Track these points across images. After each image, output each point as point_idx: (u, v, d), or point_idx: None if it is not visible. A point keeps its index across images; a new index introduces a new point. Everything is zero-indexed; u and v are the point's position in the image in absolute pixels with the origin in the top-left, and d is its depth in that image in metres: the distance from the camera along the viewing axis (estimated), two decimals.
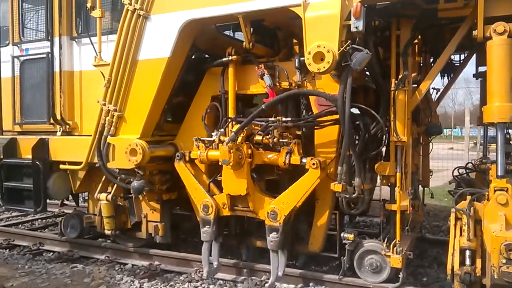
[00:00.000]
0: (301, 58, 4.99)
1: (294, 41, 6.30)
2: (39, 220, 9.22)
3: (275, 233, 4.86)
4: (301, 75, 5.09)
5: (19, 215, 9.81)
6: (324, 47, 4.24)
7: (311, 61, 4.32)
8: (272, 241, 4.86)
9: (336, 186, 4.61)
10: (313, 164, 4.72)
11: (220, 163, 4.97)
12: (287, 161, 4.86)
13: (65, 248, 6.88)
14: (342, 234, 4.98)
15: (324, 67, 4.26)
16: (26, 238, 7.40)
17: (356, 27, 4.14)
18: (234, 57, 5.35)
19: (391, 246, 4.73)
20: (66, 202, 8.16)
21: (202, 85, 5.87)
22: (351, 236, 4.93)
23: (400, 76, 4.69)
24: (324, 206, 5.19)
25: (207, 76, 5.82)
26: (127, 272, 5.99)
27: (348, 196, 4.61)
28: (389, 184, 4.96)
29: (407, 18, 4.90)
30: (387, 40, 5.19)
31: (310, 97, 5.13)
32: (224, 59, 5.42)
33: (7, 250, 7.09)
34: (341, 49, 4.22)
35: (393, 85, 4.69)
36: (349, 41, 4.23)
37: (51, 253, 6.86)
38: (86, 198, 7.19)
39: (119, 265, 6.25)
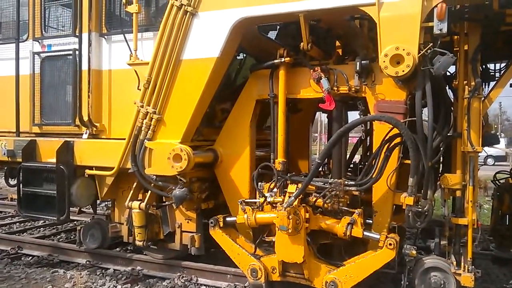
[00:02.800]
0: (363, 62, 4.72)
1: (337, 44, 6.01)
2: (17, 224, 9.00)
3: None
4: (361, 79, 4.78)
5: None
6: (403, 50, 3.96)
7: (388, 64, 4.03)
8: None
9: (408, 199, 4.30)
10: (390, 244, 4.35)
11: (277, 229, 4.57)
12: (348, 233, 4.47)
13: (45, 252, 6.69)
14: (403, 250, 4.66)
15: (403, 71, 3.98)
16: (3, 242, 7.13)
17: (440, 30, 3.87)
18: (287, 59, 5.02)
19: (462, 263, 4.43)
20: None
21: (245, 88, 5.52)
22: (413, 252, 4.60)
23: (472, 84, 4.43)
24: (382, 219, 4.87)
25: (251, 78, 5.48)
26: (109, 277, 5.89)
27: (420, 209, 4.29)
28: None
29: (474, 22, 4.65)
30: (446, 46, 4.93)
31: (369, 103, 4.82)
32: (275, 61, 5.08)
33: None
34: (422, 52, 3.93)
35: (466, 92, 4.42)
36: (431, 43, 3.95)
37: (30, 258, 6.68)
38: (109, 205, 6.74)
39: (100, 270, 6.14)
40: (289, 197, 4.55)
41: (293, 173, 5.11)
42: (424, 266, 4.68)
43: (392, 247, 4.33)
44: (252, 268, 4.86)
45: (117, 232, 6.23)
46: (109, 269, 6.12)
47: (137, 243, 5.74)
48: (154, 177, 5.42)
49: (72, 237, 7.80)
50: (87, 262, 6.31)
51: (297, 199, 4.52)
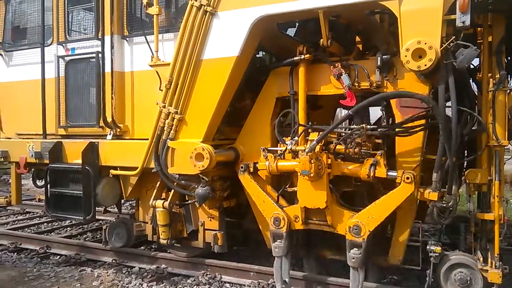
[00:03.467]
0: (384, 56, 4.68)
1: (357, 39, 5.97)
2: (45, 224, 9.21)
3: (357, 249, 4.49)
4: (382, 74, 4.74)
5: (25, 218, 9.90)
6: (425, 44, 3.92)
7: (410, 58, 3.99)
8: (354, 258, 4.47)
9: (432, 195, 4.25)
10: (407, 178, 4.33)
11: (299, 174, 4.56)
12: (371, 174, 4.46)
13: (72, 251, 6.89)
14: (428, 247, 4.61)
15: (425, 65, 3.93)
16: (33, 242, 7.35)
17: (463, 22, 3.81)
18: (307, 55, 5.01)
19: (489, 259, 4.36)
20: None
21: (265, 86, 5.53)
22: (438, 249, 4.57)
23: (497, 76, 4.34)
24: (406, 215, 4.82)
25: (271, 76, 5.49)
26: (135, 275, 5.99)
27: (445, 204, 4.24)
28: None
29: (498, 13, 4.55)
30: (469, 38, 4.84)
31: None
32: (295, 58, 5.08)
33: (15, 253, 7.06)
34: (444, 45, 3.88)
35: (490, 85, 4.34)
36: (453, 36, 3.89)
37: (58, 257, 6.86)
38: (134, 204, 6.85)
39: (126, 268, 6.26)
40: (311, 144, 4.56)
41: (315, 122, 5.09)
42: (450, 263, 4.63)
43: (409, 180, 4.31)
44: (275, 217, 4.87)
45: (142, 231, 6.34)
46: (134, 267, 6.23)
47: (161, 241, 5.83)
48: (177, 176, 5.49)
49: (98, 236, 8.00)
50: (113, 261, 6.43)
51: (319, 145, 4.52)
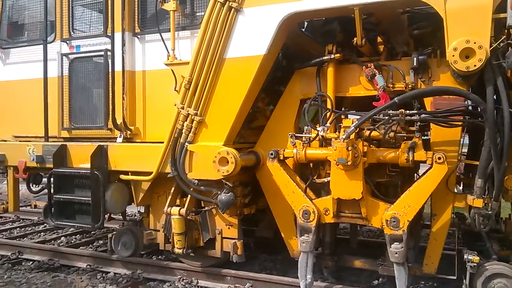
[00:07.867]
0: (421, 57, 4.49)
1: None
2: (18, 229, 8.81)
3: (398, 243, 4.24)
4: (418, 75, 4.55)
5: None
6: (474, 43, 3.73)
7: (458, 58, 3.80)
8: (396, 253, 4.23)
9: (476, 201, 4.06)
10: (439, 158, 4.09)
11: (334, 162, 4.27)
12: (410, 158, 4.21)
13: (45, 257, 6.60)
14: (465, 256, 4.42)
15: (474, 65, 3.76)
16: (4, 247, 6.99)
17: None
18: (337, 55, 4.79)
19: None
20: None
21: (289, 87, 5.29)
22: (476, 258, 4.36)
23: None
24: (441, 222, 4.62)
25: (295, 77, 5.25)
26: (110, 280, 5.80)
27: (490, 212, 4.06)
28: None
29: None
30: None
31: (425, 100, 4.57)
32: (324, 58, 4.85)
33: None
34: (494, 45, 3.70)
35: None
36: (503, 36, 3.73)
37: (31, 262, 6.59)
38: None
39: (101, 273, 6.05)
40: (345, 130, 4.31)
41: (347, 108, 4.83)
42: (488, 273, 4.44)
43: (441, 161, 4.08)
44: (304, 210, 4.58)
45: (152, 240, 5.98)
46: (109, 272, 5.99)
47: (176, 250, 5.48)
48: (196, 181, 5.18)
49: (72, 241, 7.69)
50: (88, 266, 6.19)
51: (353, 133, 4.26)
